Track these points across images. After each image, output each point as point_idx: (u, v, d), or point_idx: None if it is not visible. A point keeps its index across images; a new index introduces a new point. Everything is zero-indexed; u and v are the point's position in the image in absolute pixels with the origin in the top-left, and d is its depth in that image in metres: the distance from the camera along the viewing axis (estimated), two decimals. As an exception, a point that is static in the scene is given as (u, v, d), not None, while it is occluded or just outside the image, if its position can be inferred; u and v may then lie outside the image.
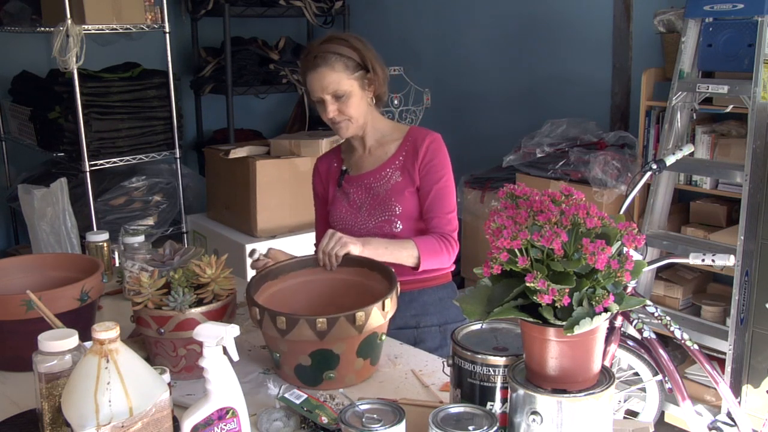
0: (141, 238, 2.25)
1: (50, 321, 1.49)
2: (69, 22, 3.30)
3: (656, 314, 2.50)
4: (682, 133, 3.08)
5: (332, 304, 1.72)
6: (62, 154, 3.74)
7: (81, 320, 1.65)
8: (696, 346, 2.52)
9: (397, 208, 1.97)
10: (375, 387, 1.59)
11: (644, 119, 3.25)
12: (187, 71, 4.71)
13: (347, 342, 1.53)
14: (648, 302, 2.28)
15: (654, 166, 2.59)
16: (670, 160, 2.60)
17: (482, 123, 4.36)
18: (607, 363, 2.35)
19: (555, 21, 3.89)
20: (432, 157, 1.98)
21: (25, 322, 1.60)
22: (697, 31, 2.96)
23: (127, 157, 3.73)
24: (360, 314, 1.51)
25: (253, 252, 1.96)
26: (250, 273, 1.95)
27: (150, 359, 1.62)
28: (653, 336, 2.60)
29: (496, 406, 1.25)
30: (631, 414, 3.08)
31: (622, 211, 2.55)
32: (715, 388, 2.64)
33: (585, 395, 1.13)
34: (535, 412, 1.13)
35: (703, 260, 2.30)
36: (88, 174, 3.54)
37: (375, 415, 1.21)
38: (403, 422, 1.20)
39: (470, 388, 1.27)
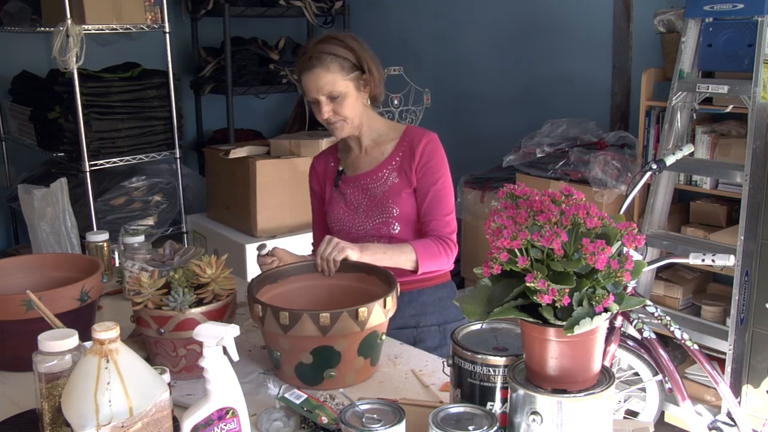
0: (141, 238, 2.25)
1: (50, 321, 1.49)
2: (69, 22, 3.30)
3: (656, 314, 2.50)
4: (682, 133, 3.08)
5: (332, 308, 1.72)
6: (62, 154, 3.74)
7: (81, 320, 1.65)
8: (696, 346, 2.52)
9: (394, 210, 1.97)
10: (375, 387, 1.59)
11: (644, 119, 3.25)
12: (187, 71, 4.71)
13: (349, 339, 1.53)
14: (648, 302, 2.28)
15: (654, 166, 2.59)
16: (670, 160, 2.60)
17: (482, 123, 4.36)
18: (607, 363, 2.35)
19: (555, 21, 3.89)
20: (429, 158, 1.98)
21: (25, 322, 1.60)
22: (697, 31, 2.96)
23: (127, 157, 3.73)
24: (362, 310, 1.52)
25: (262, 246, 1.95)
26: (251, 273, 1.95)
27: (150, 359, 1.62)
28: (653, 336, 2.60)
29: (496, 406, 1.25)
30: (631, 414, 3.08)
31: (622, 211, 2.55)
32: (715, 388, 2.64)
33: (585, 395, 1.13)
34: (535, 412, 1.13)
35: (703, 260, 2.31)
36: (88, 174, 3.54)
37: (375, 415, 1.21)
38: (403, 422, 1.20)
39: (470, 388, 1.27)
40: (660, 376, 2.69)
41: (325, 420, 1.37)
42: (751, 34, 2.76)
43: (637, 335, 2.67)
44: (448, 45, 4.48)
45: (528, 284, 1.06)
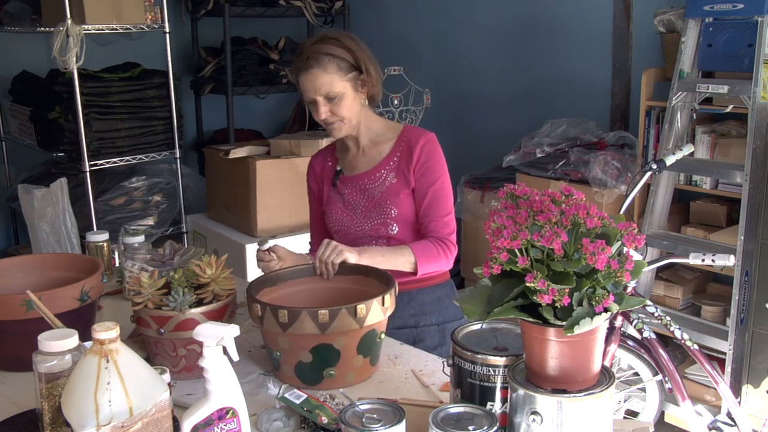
0: (141, 238, 2.25)
1: (50, 321, 1.49)
2: (69, 22, 3.30)
3: (656, 314, 2.50)
4: (682, 133, 3.08)
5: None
6: (62, 154, 3.74)
7: (81, 320, 1.65)
8: (696, 346, 2.52)
9: (392, 211, 1.97)
10: (375, 387, 1.59)
11: (644, 119, 3.25)
12: (187, 71, 4.71)
13: (348, 337, 1.53)
14: (648, 302, 2.28)
15: (654, 166, 2.59)
16: (670, 160, 2.60)
17: (482, 123, 4.36)
18: (607, 363, 2.35)
19: (555, 21, 3.89)
20: (427, 158, 1.97)
21: (25, 322, 1.60)
22: (697, 31, 2.96)
23: (127, 157, 3.73)
24: (361, 307, 1.52)
25: (263, 241, 1.94)
26: (251, 273, 1.95)
27: (150, 359, 1.62)
28: (653, 336, 2.60)
29: (496, 406, 1.25)
30: (631, 414, 3.08)
31: (622, 211, 2.55)
32: (715, 388, 2.64)
33: (585, 395, 1.13)
34: (535, 412, 1.13)
35: (703, 260, 2.30)
36: (88, 174, 3.54)
37: (375, 415, 1.21)
38: (403, 422, 1.20)
39: (470, 388, 1.27)
40: (660, 376, 2.69)
41: (325, 420, 1.37)
42: (751, 34, 2.76)
43: (637, 335, 2.67)
44: (448, 45, 4.48)
45: (528, 284, 1.06)
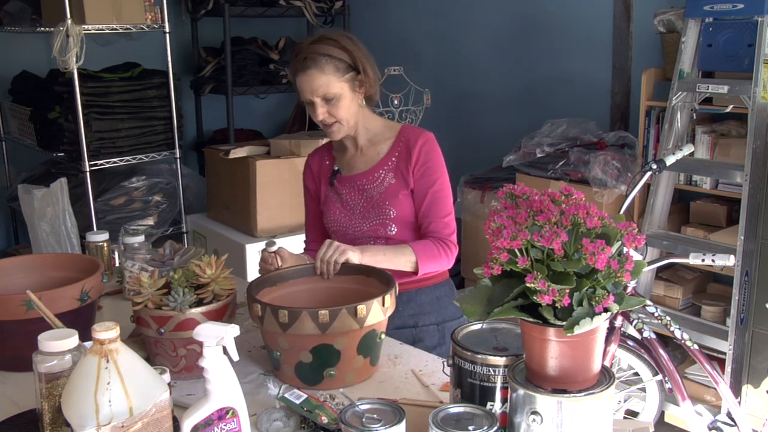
0: (141, 238, 2.25)
1: (50, 321, 1.49)
2: (69, 22, 3.30)
3: (656, 314, 2.50)
4: (682, 133, 3.08)
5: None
6: (62, 154, 3.74)
7: (81, 320, 1.65)
8: (696, 346, 2.52)
9: (391, 212, 1.96)
10: (375, 387, 1.59)
11: (644, 119, 3.25)
12: (187, 71, 4.71)
13: (348, 337, 1.53)
14: (648, 302, 2.28)
15: (654, 166, 2.59)
16: (670, 160, 2.60)
17: (482, 123, 4.36)
18: (607, 363, 2.35)
19: (555, 21, 3.89)
20: (426, 159, 1.97)
21: (25, 322, 1.60)
22: (697, 31, 2.96)
23: (127, 157, 3.73)
24: (361, 307, 1.52)
25: (271, 243, 1.92)
26: (251, 273, 1.95)
27: (150, 359, 1.62)
28: (653, 336, 2.60)
29: (496, 406, 1.25)
30: (631, 414, 3.08)
31: (622, 211, 2.55)
32: (715, 388, 2.64)
33: (585, 395, 1.13)
34: (535, 412, 1.13)
35: (703, 260, 2.30)
36: (88, 174, 3.54)
37: (375, 415, 1.21)
38: (403, 422, 1.20)
39: (470, 388, 1.27)
40: (660, 376, 2.69)
41: (325, 420, 1.37)
42: (751, 34, 2.76)
43: (637, 335, 2.67)
44: (448, 45, 4.48)
45: (528, 284, 1.06)
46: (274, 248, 1.91)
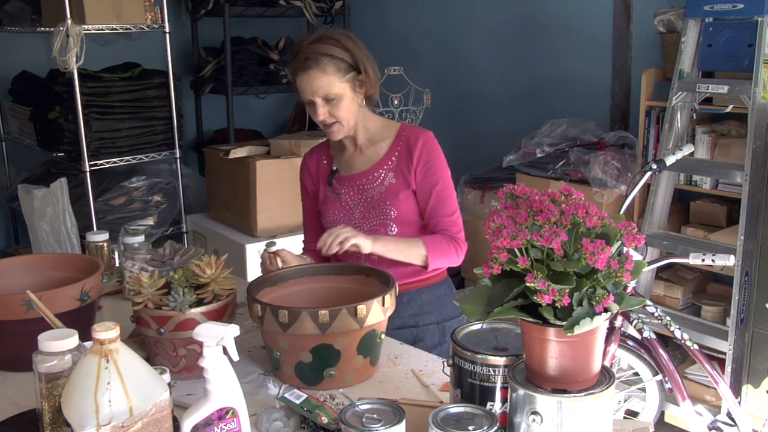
0: (141, 238, 2.25)
1: (50, 321, 1.49)
2: (69, 22, 3.30)
3: (656, 314, 2.50)
4: (682, 133, 3.08)
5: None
6: (62, 154, 3.74)
7: (81, 320, 1.65)
8: (696, 346, 2.52)
9: (392, 212, 1.96)
10: (375, 387, 1.59)
11: (644, 119, 3.26)
12: (187, 71, 4.71)
13: (348, 337, 1.53)
14: (648, 302, 2.27)
15: (654, 166, 2.59)
16: (670, 160, 2.60)
17: (482, 123, 4.36)
18: (607, 363, 2.35)
19: (555, 21, 3.89)
20: (428, 158, 1.96)
21: (25, 322, 1.60)
22: (697, 31, 2.96)
23: (127, 157, 3.73)
24: (361, 307, 1.52)
25: (271, 244, 1.92)
26: (251, 273, 1.95)
27: (150, 359, 1.62)
28: (653, 336, 2.60)
29: (496, 406, 1.25)
30: (631, 414, 3.08)
31: (622, 211, 2.55)
32: (715, 388, 2.64)
33: (585, 395, 1.13)
34: (535, 412, 1.13)
35: (703, 260, 2.30)
36: (88, 174, 3.54)
37: (375, 415, 1.21)
38: (403, 422, 1.20)
39: (470, 388, 1.27)
40: (660, 376, 2.69)
41: (325, 420, 1.37)
42: (751, 34, 2.76)
43: (637, 335, 2.67)
44: (448, 45, 4.48)
45: (528, 284, 1.06)
46: (274, 249, 1.90)
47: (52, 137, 3.74)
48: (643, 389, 2.97)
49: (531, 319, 1.10)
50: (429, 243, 1.91)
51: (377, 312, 1.55)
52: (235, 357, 1.22)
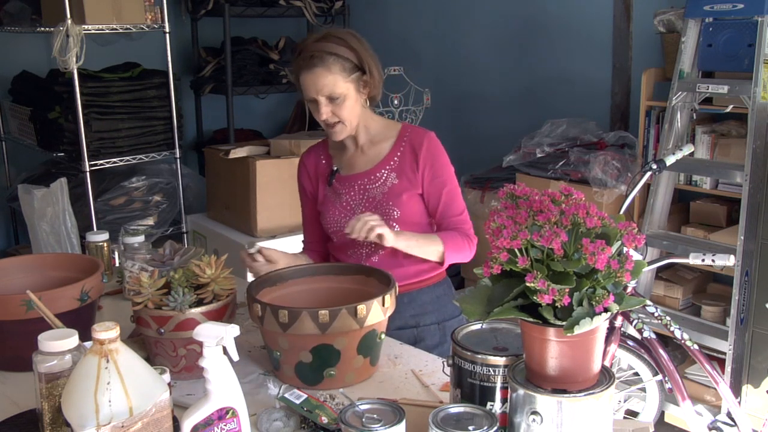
0: (141, 238, 2.25)
1: (50, 321, 1.49)
2: (69, 22, 3.30)
3: (656, 314, 2.50)
4: (682, 133, 3.08)
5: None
6: (62, 154, 3.74)
7: (81, 320, 1.65)
8: (696, 346, 2.52)
9: (395, 212, 1.95)
10: (375, 387, 1.59)
11: (644, 119, 3.26)
12: (187, 71, 4.71)
13: (348, 337, 1.53)
14: (648, 302, 2.28)
15: (654, 166, 2.59)
16: (670, 160, 2.60)
17: (482, 123, 4.36)
18: (607, 363, 2.35)
19: (555, 21, 3.89)
20: (433, 161, 1.96)
21: (25, 322, 1.60)
22: (697, 31, 2.96)
23: (127, 157, 3.73)
24: (361, 307, 1.52)
25: (252, 244, 1.92)
26: (250, 273, 1.95)
27: (150, 359, 1.62)
28: (653, 336, 2.60)
29: (496, 406, 1.25)
30: (631, 414, 3.08)
31: (622, 211, 2.55)
32: (715, 388, 2.64)
33: (585, 395, 1.13)
34: (535, 412, 1.13)
35: (703, 260, 2.31)
36: (88, 174, 3.54)
37: (375, 415, 1.21)
38: (403, 422, 1.20)
39: (470, 388, 1.27)
40: (660, 376, 2.69)
41: (325, 420, 1.37)
42: (751, 34, 2.76)
43: (637, 335, 2.67)
44: (448, 45, 4.48)
45: (528, 284, 1.06)
46: (253, 249, 1.90)
47: (52, 137, 3.74)
48: (643, 389, 2.97)
49: (531, 319, 1.10)
50: (445, 239, 1.93)
51: (377, 312, 1.55)
52: (235, 357, 1.22)
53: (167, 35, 3.68)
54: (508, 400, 1.20)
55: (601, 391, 1.14)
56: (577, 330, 1.05)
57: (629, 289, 1.87)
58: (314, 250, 2.16)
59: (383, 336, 1.63)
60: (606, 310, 1.08)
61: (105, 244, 2.29)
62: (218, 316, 1.59)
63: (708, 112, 3.11)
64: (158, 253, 1.78)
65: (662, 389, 2.90)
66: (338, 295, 1.75)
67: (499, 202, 1.21)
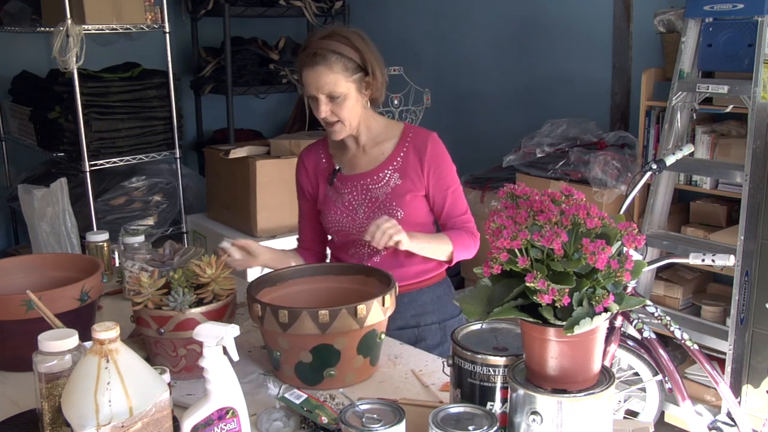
0: (141, 238, 2.25)
1: (50, 321, 1.49)
2: (69, 22, 3.30)
3: (656, 314, 2.50)
4: (682, 133, 3.08)
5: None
6: (62, 154, 3.74)
7: (81, 320, 1.65)
8: (696, 346, 2.52)
9: (398, 213, 1.95)
10: (375, 387, 1.59)
11: (644, 119, 3.26)
12: (187, 71, 4.71)
13: (348, 337, 1.53)
14: (648, 302, 2.28)
15: (654, 166, 2.59)
16: (670, 160, 2.60)
17: (482, 123, 4.36)
18: (607, 363, 2.35)
19: (555, 21, 3.89)
20: (438, 162, 1.97)
21: (25, 322, 1.60)
22: (697, 31, 2.96)
23: (127, 157, 3.73)
24: (361, 307, 1.52)
25: (223, 241, 1.91)
26: (251, 273, 1.95)
27: (150, 359, 1.62)
28: (653, 336, 2.60)
29: (496, 406, 1.25)
30: (631, 414, 3.08)
31: (622, 211, 2.55)
32: (715, 388, 2.64)
33: (585, 395, 1.13)
34: (535, 412, 1.13)
35: (703, 260, 2.31)
36: (88, 174, 3.54)
37: (375, 415, 1.21)
38: (403, 422, 1.20)
39: (470, 388, 1.27)
40: (660, 376, 2.69)
41: (325, 420, 1.37)
42: (751, 34, 2.76)
43: (637, 335, 2.67)
44: (448, 45, 4.48)
45: (528, 284, 1.06)
46: (225, 244, 1.89)
47: (52, 137, 3.74)
48: (643, 389, 2.97)
49: (531, 319, 1.10)
50: (453, 238, 1.94)
51: (377, 312, 1.55)
52: (235, 357, 1.22)
53: (167, 35, 3.68)
54: (508, 400, 1.20)
55: (601, 391, 1.14)
56: (577, 330, 1.05)
57: (629, 289, 1.88)
58: (308, 249, 2.15)
59: (383, 336, 1.63)
60: (606, 310, 1.08)
61: (105, 244, 2.29)
62: (218, 316, 1.59)
63: (708, 112, 3.11)
64: (158, 253, 1.78)
65: (662, 389, 2.90)
66: (338, 295, 1.75)
67: (499, 202, 1.21)
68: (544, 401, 1.13)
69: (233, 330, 1.22)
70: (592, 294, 1.07)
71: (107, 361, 1.13)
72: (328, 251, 2.15)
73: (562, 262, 1.08)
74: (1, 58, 4.16)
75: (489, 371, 1.25)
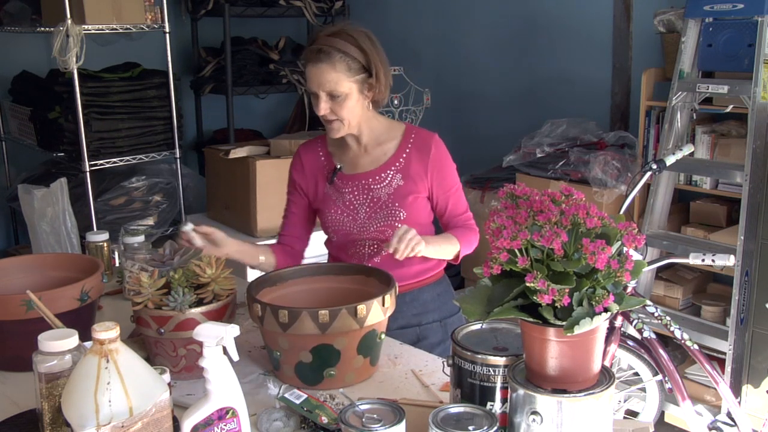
0: (141, 238, 2.25)
1: (50, 321, 1.49)
2: (69, 22, 3.30)
3: (656, 314, 2.50)
4: (682, 133, 3.08)
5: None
6: (62, 154, 3.73)
7: (81, 320, 1.65)
8: (696, 346, 2.52)
9: (401, 213, 1.95)
10: (375, 387, 1.59)
11: (644, 119, 3.26)
12: (187, 71, 4.71)
13: (348, 337, 1.53)
14: (648, 302, 2.28)
15: (654, 166, 2.59)
16: (670, 160, 2.60)
17: (482, 123, 4.36)
18: (607, 363, 2.35)
19: (555, 21, 3.89)
20: (441, 164, 1.98)
21: (25, 322, 1.60)
22: (697, 31, 2.96)
23: (127, 157, 3.73)
24: (361, 307, 1.52)
25: (185, 223, 1.88)
26: (251, 273, 1.95)
27: (150, 359, 1.62)
28: (653, 336, 2.60)
29: (496, 406, 1.25)
30: (631, 414, 3.08)
31: (622, 211, 2.55)
32: (715, 388, 2.64)
33: (585, 395, 1.13)
34: (535, 412, 1.13)
35: (703, 260, 2.31)
36: (88, 174, 3.54)
37: (375, 415, 1.21)
38: (403, 422, 1.20)
39: (470, 388, 1.27)
40: (660, 376, 2.69)
41: (325, 420, 1.37)
42: (751, 34, 2.76)
43: (637, 335, 2.67)
44: (448, 45, 4.48)
45: (528, 284, 1.06)
46: (187, 227, 1.86)
47: (52, 137, 3.74)
48: (643, 389, 2.97)
49: (531, 319, 1.10)
50: (459, 236, 1.96)
51: (377, 312, 1.55)
52: (235, 357, 1.22)
53: (167, 35, 3.68)
54: (508, 400, 1.20)
55: (601, 391, 1.14)
56: (577, 330, 1.05)
57: (629, 289, 1.87)
58: (286, 245, 2.12)
59: (383, 336, 1.63)
60: (606, 310, 1.08)
61: (105, 244, 2.29)
62: (218, 316, 1.59)
63: (708, 112, 3.11)
64: (158, 253, 1.77)
65: (662, 389, 2.90)
66: (338, 295, 1.75)
67: (499, 202, 1.21)
68: (544, 401, 1.13)
69: (233, 330, 1.22)
70: (592, 294, 1.07)
71: (107, 361, 1.13)
72: (326, 251, 2.14)
73: (562, 262, 1.08)
74: (1, 58, 4.16)
75: (489, 371, 1.25)
